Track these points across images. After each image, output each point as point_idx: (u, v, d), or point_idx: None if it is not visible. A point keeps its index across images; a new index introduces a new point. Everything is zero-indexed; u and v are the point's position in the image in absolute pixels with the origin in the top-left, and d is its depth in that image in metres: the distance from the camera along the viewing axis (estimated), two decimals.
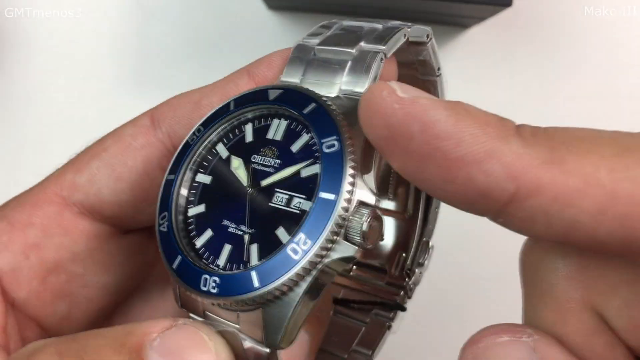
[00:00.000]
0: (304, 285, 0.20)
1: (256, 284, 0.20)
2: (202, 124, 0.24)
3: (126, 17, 0.49)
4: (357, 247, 0.20)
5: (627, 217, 0.17)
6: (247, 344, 0.21)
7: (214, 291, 0.20)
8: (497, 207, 0.18)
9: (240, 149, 0.23)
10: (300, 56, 0.24)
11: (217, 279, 0.21)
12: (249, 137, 0.23)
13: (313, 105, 0.22)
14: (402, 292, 0.32)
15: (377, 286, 0.32)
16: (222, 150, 0.24)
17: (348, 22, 0.26)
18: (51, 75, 0.49)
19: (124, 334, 0.19)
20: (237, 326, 0.21)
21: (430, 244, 0.32)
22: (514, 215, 0.18)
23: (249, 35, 0.49)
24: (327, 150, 0.21)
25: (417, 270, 0.32)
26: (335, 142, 0.21)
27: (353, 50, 0.23)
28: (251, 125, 0.23)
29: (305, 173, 0.21)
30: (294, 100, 0.22)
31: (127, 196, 0.26)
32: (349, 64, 0.23)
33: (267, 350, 0.21)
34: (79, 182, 0.25)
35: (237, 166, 0.23)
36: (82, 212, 0.26)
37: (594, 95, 0.48)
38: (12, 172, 0.46)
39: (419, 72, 0.27)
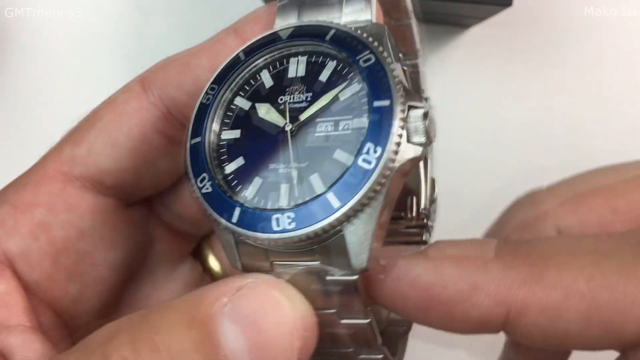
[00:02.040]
0: (381, 196, 0.20)
1: (336, 204, 0.19)
2: (214, 82, 0.23)
3: (126, 17, 0.49)
4: (421, 147, 0.20)
5: (611, 324, 0.18)
6: (329, 278, 0.20)
7: (291, 227, 0.20)
8: (498, 329, 0.20)
9: (262, 96, 0.23)
10: (291, 2, 0.24)
11: (290, 214, 0.20)
12: (268, 83, 0.23)
13: (332, 31, 0.21)
14: (424, 232, 0.31)
15: (398, 231, 0.31)
16: (242, 103, 0.23)
17: None
18: (51, 75, 0.49)
19: (194, 304, 0.18)
20: (316, 263, 0.20)
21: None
22: (514, 332, 0.20)
23: None
24: (365, 65, 0.21)
25: (431, 208, 0.32)
26: (371, 55, 0.21)
27: None
28: (267, 71, 0.23)
29: (344, 95, 0.21)
30: (309, 33, 0.22)
31: (127, 162, 0.25)
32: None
33: (354, 277, 0.20)
34: (78, 154, 0.25)
35: (266, 111, 0.22)
36: (84, 186, 0.25)
37: (594, 95, 0.48)
38: (12, 172, 0.46)
39: (392, 18, 0.27)
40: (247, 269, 0.21)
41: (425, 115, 0.20)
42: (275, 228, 0.20)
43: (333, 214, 0.19)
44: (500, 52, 0.48)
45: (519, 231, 0.28)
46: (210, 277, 0.31)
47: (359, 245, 0.20)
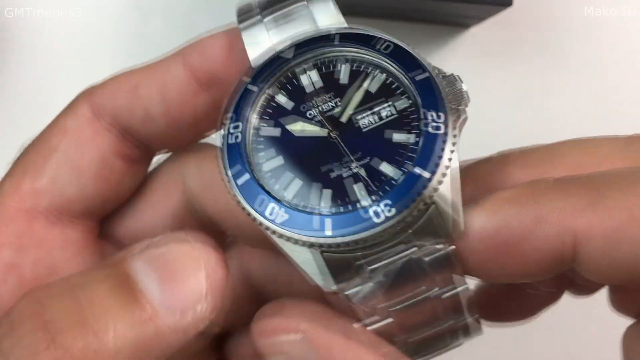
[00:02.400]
0: (456, 154, 0.20)
1: (426, 174, 0.20)
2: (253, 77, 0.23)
3: (126, 17, 0.49)
4: (463, 107, 0.22)
5: None
6: (429, 258, 0.20)
7: (391, 213, 0.19)
8: (570, 261, 0.19)
9: (289, 114, 0.22)
10: (252, 22, 0.23)
11: (386, 201, 0.20)
12: (288, 105, 0.23)
13: (337, 35, 0.22)
14: None
15: None
16: (272, 131, 0.22)
17: None
18: (51, 75, 0.49)
19: (109, 260, 0.19)
20: (413, 249, 0.20)
21: None
22: (583, 263, 0.19)
23: None
24: (386, 50, 0.22)
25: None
26: (388, 42, 0.22)
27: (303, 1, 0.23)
28: (282, 94, 0.23)
29: (373, 85, 0.22)
30: (311, 42, 0.22)
31: (92, 188, 0.25)
32: (309, 7, 0.23)
33: (453, 246, 0.20)
34: (40, 187, 0.24)
35: (302, 127, 0.22)
36: (51, 220, 0.24)
37: (594, 95, 0.48)
38: None
39: None
40: (342, 288, 0.21)
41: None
42: (377, 220, 0.19)
43: (428, 183, 0.20)
44: (500, 52, 0.48)
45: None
46: None
47: (453, 210, 0.20)
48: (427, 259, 0.20)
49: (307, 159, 0.22)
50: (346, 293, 0.21)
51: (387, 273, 0.20)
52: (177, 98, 0.24)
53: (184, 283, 0.18)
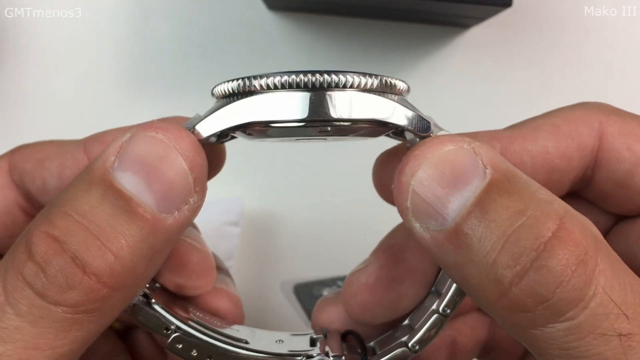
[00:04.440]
0: None
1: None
2: None
3: (126, 18, 0.49)
4: None
5: None
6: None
7: None
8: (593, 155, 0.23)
9: None
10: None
11: None
12: None
13: None
14: None
15: None
16: None
17: None
18: (51, 75, 0.49)
19: (87, 173, 0.19)
20: None
21: None
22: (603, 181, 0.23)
23: (249, 36, 0.49)
24: None
25: None
26: None
27: None
28: None
29: None
30: None
31: None
32: None
33: None
34: None
35: None
36: None
37: (594, 95, 0.48)
38: None
39: None
40: None
41: None
42: None
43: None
44: (500, 52, 0.48)
45: None
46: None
47: None
48: None
49: None
50: None
51: None
52: (70, 178, 0.25)
53: (172, 181, 0.19)
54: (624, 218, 0.25)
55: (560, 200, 0.18)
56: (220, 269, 0.28)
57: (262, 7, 0.48)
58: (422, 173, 0.19)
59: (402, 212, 0.20)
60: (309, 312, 0.39)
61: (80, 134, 0.28)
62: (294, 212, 0.49)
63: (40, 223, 0.19)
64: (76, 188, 0.19)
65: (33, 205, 0.27)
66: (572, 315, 0.17)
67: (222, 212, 0.46)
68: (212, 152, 0.22)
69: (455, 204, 0.18)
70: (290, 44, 0.49)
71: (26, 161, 0.26)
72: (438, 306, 0.23)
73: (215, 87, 0.20)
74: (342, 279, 0.41)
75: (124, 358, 0.29)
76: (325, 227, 0.49)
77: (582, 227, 0.18)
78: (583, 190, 0.25)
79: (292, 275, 0.45)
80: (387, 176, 0.24)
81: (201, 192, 0.20)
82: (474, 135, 0.23)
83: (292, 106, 0.18)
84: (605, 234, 0.25)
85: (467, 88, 0.48)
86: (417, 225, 0.19)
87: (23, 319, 0.18)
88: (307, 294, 0.41)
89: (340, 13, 0.48)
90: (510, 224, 0.17)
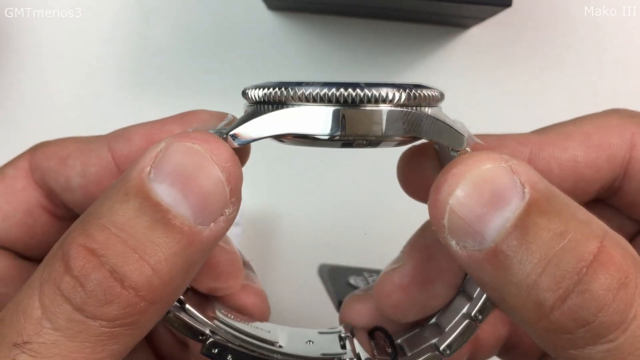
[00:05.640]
0: None
1: None
2: None
3: (126, 17, 0.49)
4: None
5: None
6: None
7: None
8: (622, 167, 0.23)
9: None
10: None
11: None
12: None
13: None
14: None
15: None
16: None
17: None
18: (51, 76, 0.49)
19: (123, 184, 0.19)
20: None
21: None
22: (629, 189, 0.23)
23: (249, 35, 0.49)
24: None
25: None
26: None
27: None
28: None
29: None
30: None
31: (16, 233, 0.26)
32: None
33: None
34: None
35: None
36: None
37: (594, 95, 0.48)
38: None
39: None
40: None
41: None
42: None
43: None
44: (500, 52, 0.48)
45: None
46: None
47: None
48: None
49: None
50: None
51: None
52: (95, 176, 0.25)
53: (208, 193, 0.19)
54: None
55: (598, 220, 0.18)
56: (245, 264, 0.28)
57: (262, 7, 0.48)
58: (461, 192, 0.19)
59: (438, 230, 0.19)
60: (336, 292, 0.40)
61: (80, 134, 0.28)
62: (294, 212, 0.49)
63: (76, 235, 0.19)
64: (112, 200, 0.19)
65: (55, 204, 0.27)
66: (613, 338, 0.17)
67: None
68: (238, 153, 0.22)
69: (495, 224, 0.18)
70: (290, 44, 0.49)
71: (48, 159, 0.26)
72: (469, 311, 0.23)
73: (248, 89, 0.20)
74: (368, 270, 0.43)
75: (143, 353, 0.29)
76: (325, 227, 0.49)
77: (621, 249, 0.18)
78: (610, 198, 0.25)
79: (325, 262, 0.45)
80: (413, 173, 0.24)
81: (237, 202, 0.20)
82: (502, 139, 0.24)
83: (327, 121, 0.19)
84: (631, 240, 0.25)
85: (467, 88, 0.48)
86: (453, 243, 0.19)
87: (61, 333, 0.18)
88: (337, 278, 0.42)
89: (340, 13, 0.48)
90: (552, 246, 0.17)
